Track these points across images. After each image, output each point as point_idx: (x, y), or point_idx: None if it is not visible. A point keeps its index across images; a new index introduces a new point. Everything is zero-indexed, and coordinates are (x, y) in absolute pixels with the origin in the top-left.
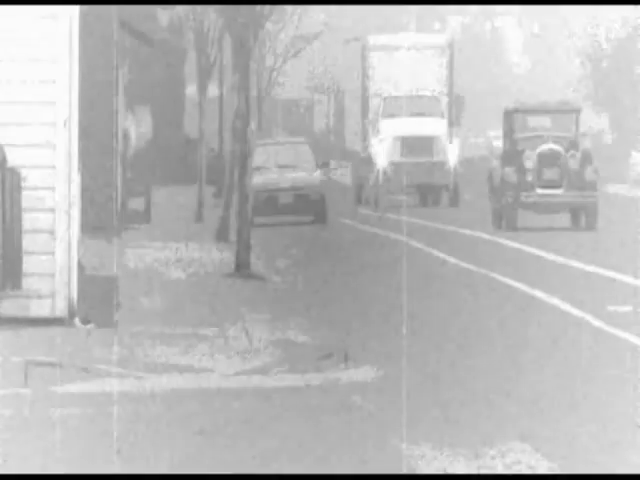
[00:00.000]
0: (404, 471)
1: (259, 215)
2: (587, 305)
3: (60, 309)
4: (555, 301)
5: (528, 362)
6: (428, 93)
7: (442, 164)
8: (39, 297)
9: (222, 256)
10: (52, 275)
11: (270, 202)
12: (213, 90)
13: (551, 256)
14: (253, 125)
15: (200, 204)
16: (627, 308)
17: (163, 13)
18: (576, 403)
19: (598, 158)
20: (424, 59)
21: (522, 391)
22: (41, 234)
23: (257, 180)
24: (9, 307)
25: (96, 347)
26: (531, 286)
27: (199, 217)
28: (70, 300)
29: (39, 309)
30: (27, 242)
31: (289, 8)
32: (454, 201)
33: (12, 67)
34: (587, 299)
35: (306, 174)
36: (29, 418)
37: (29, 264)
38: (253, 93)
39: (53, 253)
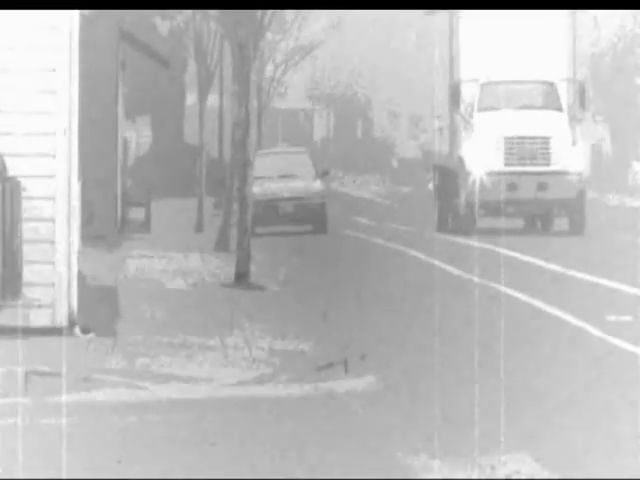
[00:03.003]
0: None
1: (259, 225)
2: None
3: (60, 318)
4: None
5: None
6: (542, 77)
7: (562, 175)
8: (39, 307)
9: (222, 266)
10: (52, 285)
11: (270, 211)
12: (213, 99)
13: None
14: (253, 135)
15: (200, 214)
16: None
17: (163, 23)
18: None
19: (597, 168)
20: (535, 31)
21: (523, 398)
22: (41, 244)
23: (257, 190)
24: (9, 317)
25: (96, 357)
26: None
27: (199, 227)
28: (70, 309)
29: (39, 318)
30: (27, 252)
31: (289, 18)
32: (578, 227)
33: (12, 76)
34: None
35: (306, 183)
36: (29, 428)
37: (29, 274)
38: (253, 103)
39: (53, 263)
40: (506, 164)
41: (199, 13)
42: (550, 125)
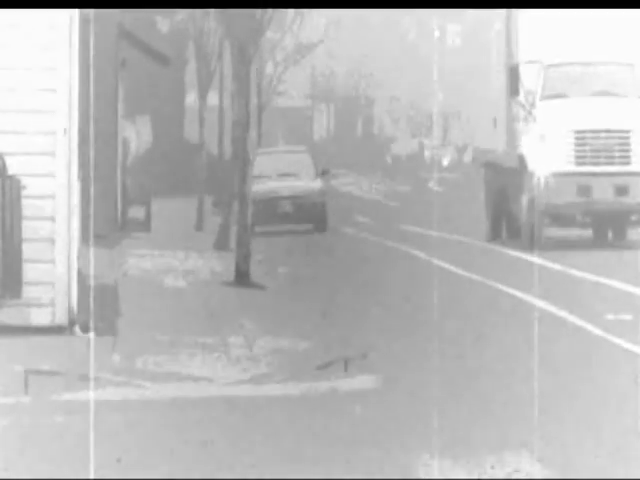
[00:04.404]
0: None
1: (259, 223)
2: None
3: (60, 317)
4: None
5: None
6: (617, 59)
7: None
8: (39, 305)
9: (222, 264)
10: (52, 283)
11: (270, 210)
12: (213, 98)
13: None
14: (253, 133)
15: (200, 213)
16: None
17: (163, 22)
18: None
19: None
20: (609, 4)
21: (521, 398)
22: (41, 242)
23: (257, 188)
24: (9, 315)
25: (96, 355)
26: None
27: (199, 226)
28: (70, 308)
29: (39, 317)
30: (27, 250)
31: (289, 16)
32: None
33: (12, 76)
34: None
35: (306, 182)
36: (29, 426)
37: (29, 272)
38: (253, 101)
39: (53, 261)
40: (577, 163)
41: (199, 12)
42: (630, 116)
